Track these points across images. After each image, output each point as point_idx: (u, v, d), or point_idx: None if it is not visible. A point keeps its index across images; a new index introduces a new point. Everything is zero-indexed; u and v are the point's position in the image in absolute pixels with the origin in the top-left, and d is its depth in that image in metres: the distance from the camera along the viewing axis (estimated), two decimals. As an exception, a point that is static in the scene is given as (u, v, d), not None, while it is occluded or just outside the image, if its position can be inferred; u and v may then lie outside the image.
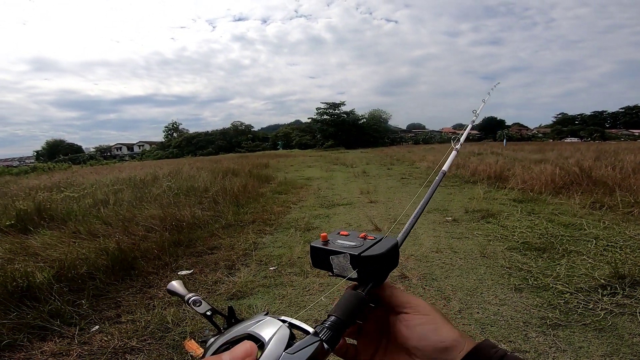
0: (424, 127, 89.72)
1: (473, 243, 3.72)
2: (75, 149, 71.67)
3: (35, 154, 72.23)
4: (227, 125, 63.74)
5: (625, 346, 1.92)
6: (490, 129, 61.47)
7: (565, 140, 52.42)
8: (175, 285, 0.51)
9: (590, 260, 3.01)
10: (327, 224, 4.77)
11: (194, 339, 2.16)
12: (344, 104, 49.65)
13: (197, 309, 0.45)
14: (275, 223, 4.92)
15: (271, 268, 3.28)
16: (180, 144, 57.63)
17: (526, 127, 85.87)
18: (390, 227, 4.46)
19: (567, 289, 2.56)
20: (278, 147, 54.36)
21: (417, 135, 60.41)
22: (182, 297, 0.48)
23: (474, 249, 3.54)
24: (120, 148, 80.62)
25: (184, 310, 2.56)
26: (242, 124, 62.84)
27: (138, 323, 2.40)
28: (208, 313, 0.45)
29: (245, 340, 0.30)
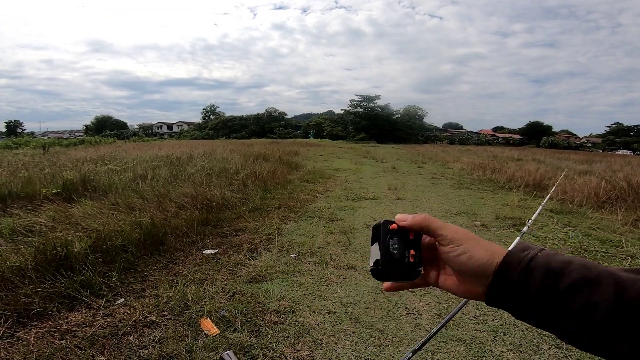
0: (461, 127, 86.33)
1: (501, 251, 3.57)
2: (121, 125, 75.84)
3: (85, 127, 77.24)
4: (262, 111, 64.69)
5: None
6: (534, 134, 57.96)
7: (617, 152, 48.51)
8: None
9: None
10: (351, 216, 4.77)
11: (210, 319, 2.26)
12: (379, 98, 48.78)
13: None
14: (300, 211, 4.99)
15: (292, 255, 3.35)
16: (216, 126, 59.37)
17: (575, 135, 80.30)
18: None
19: None
20: (309, 135, 54.58)
21: (453, 135, 58.21)
22: None
23: None
24: (161, 127, 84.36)
25: (204, 288, 2.68)
26: (275, 110, 63.53)
27: (160, 298, 2.48)
28: None
29: None
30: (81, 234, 3.34)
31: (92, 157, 10.72)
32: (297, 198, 5.74)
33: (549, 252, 0.40)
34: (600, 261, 3.19)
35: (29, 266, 2.53)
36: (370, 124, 46.65)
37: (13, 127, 70.78)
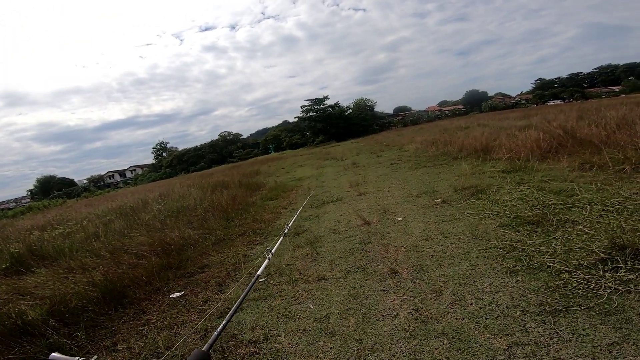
0: (410, 109, 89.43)
1: (464, 224, 3.63)
2: (67, 183, 71.04)
3: (29, 193, 71.58)
4: (215, 137, 63.35)
5: (636, 331, 1.72)
6: (474, 101, 61.62)
7: (549, 104, 52.55)
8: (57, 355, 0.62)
9: (586, 230, 2.83)
10: (316, 224, 4.70)
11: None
12: (328, 98, 49.43)
13: None
14: (265, 231, 4.85)
15: (260, 280, 3.22)
16: (172, 162, 57.26)
17: (509, 95, 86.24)
18: (379, 218, 4.40)
19: (565, 267, 2.36)
20: (270, 150, 54.15)
21: (405, 118, 60.25)
22: None
23: (465, 230, 3.44)
24: (113, 175, 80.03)
25: (175, 332, 2.52)
26: (229, 133, 62.42)
27: (132, 350, 2.43)
28: None
29: None
30: (35, 302, 3.19)
31: (40, 223, 9.91)
32: (261, 219, 5.59)
33: None
34: (560, 215, 3.23)
35: None
36: (326, 125, 47.13)
37: (-53, 210, 63.92)
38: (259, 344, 2.24)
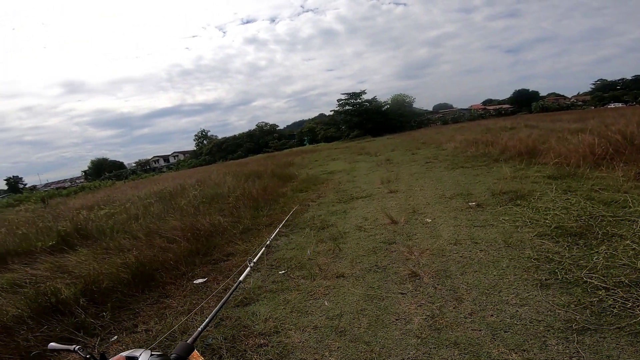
0: (451, 107, 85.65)
1: (497, 231, 3.41)
2: (118, 166, 76.35)
3: (83, 173, 77.88)
4: (253, 127, 64.83)
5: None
6: (524, 101, 57.51)
7: (609, 106, 47.87)
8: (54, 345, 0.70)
9: (634, 246, 2.57)
10: (343, 220, 4.64)
11: (197, 350, 2.17)
12: (365, 93, 48.60)
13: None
14: (292, 223, 4.88)
15: (280, 272, 3.24)
16: (211, 150, 59.56)
17: (563, 96, 79.66)
18: (407, 218, 4.25)
19: (604, 284, 2.17)
20: (305, 142, 54.54)
21: (445, 115, 57.84)
22: (69, 350, 0.66)
23: (498, 238, 3.23)
24: (158, 160, 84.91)
25: (192, 318, 2.60)
26: (266, 124, 63.63)
27: (150, 332, 2.53)
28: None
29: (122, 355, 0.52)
30: (71, 281, 3.40)
31: (89, 203, 10.70)
32: (289, 210, 5.62)
33: None
34: (608, 228, 2.95)
35: (25, 314, 2.72)
36: (362, 120, 46.52)
37: (14, 184, 71.13)
38: (268, 336, 2.25)
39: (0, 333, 2.51)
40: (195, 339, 0.91)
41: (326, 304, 2.56)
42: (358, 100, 48.44)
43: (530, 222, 3.48)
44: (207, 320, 1.12)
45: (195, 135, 73.86)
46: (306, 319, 2.38)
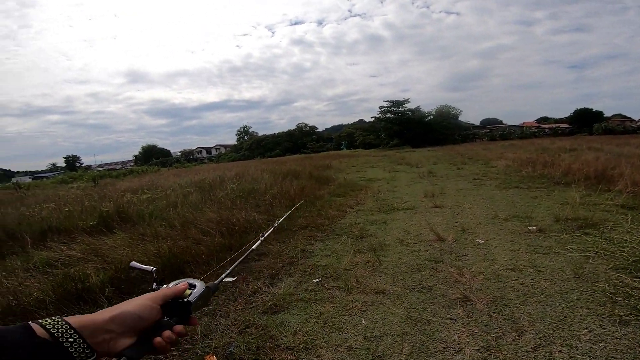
0: (500, 122, 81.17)
1: (565, 260, 2.97)
2: (165, 153, 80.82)
3: (134, 157, 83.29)
4: (293, 127, 65.73)
5: None
6: (584, 121, 53.04)
7: None
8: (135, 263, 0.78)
9: None
10: (383, 231, 4.33)
11: (216, 355, 2.01)
12: (408, 101, 47.48)
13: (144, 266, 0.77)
14: (328, 229, 4.65)
15: (314, 280, 3.01)
16: (251, 146, 61.14)
17: (630, 118, 72.38)
18: (456, 236, 3.85)
19: None
20: (342, 147, 54.34)
21: (493, 131, 54.86)
22: (146, 271, 0.75)
23: (566, 267, 2.81)
24: (201, 152, 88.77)
25: (216, 320, 2.44)
26: (306, 125, 64.23)
27: None
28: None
29: (184, 280, 0.66)
30: (101, 266, 3.35)
31: (134, 186, 11.19)
32: (325, 215, 5.40)
33: None
34: None
35: (48, 299, 2.65)
36: (403, 129, 45.45)
37: (72, 162, 77.96)
38: (297, 352, 2.02)
39: (18, 316, 2.46)
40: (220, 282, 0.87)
41: (363, 322, 2.29)
42: (400, 108, 47.45)
43: (603, 253, 3.05)
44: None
45: (238, 131, 76.31)
46: (340, 337, 2.13)
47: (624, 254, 2.94)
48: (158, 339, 0.56)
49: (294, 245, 3.95)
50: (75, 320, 0.49)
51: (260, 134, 69.48)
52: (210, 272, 1.24)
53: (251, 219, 5.07)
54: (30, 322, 0.45)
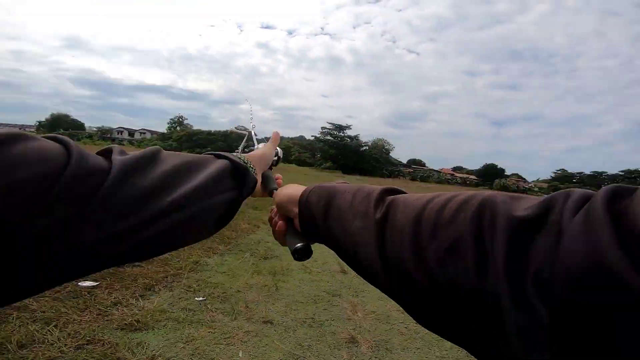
0: (424, 164, 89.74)
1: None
2: (77, 126, 71.30)
3: (37, 124, 71.81)
4: (232, 128, 63.76)
5: None
6: (489, 175, 61.48)
7: None
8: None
9: None
10: (289, 255, 4.13)
11: None
12: (350, 128, 49.84)
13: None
14: (233, 242, 4.31)
15: (197, 298, 2.67)
16: (181, 138, 57.16)
17: (524, 179, 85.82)
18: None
19: None
20: (250, 143, 53.96)
21: (416, 172, 60.25)
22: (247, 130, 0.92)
23: None
24: (122, 132, 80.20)
25: (48, 330, 1.95)
26: (245, 129, 62.75)
27: None
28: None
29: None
30: None
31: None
32: (234, 226, 5.05)
33: (341, 183, 0.52)
34: None
35: None
36: (338, 154, 47.20)
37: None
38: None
39: None
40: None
41: (240, 355, 2.05)
42: (341, 133, 49.35)
43: None
44: None
45: (171, 119, 71.14)
46: None
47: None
48: (279, 180, 0.73)
49: (188, 255, 3.54)
50: (246, 155, 0.60)
51: (196, 127, 65.67)
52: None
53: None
54: (228, 154, 0.52)
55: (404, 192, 0.44)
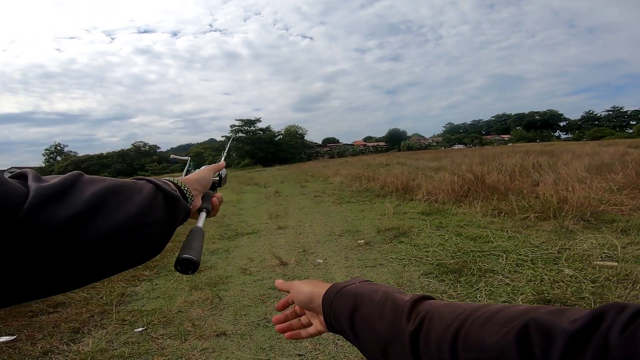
0: (338, 141, 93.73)
1: (388, 271, 3.33)
2: None
3: None
4: (128, 146, 57.18)
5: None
6: (395, 139, 67.70)
7: (454, 147, 60.48)
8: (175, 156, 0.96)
9: (507, 281, 2.78)
10: (224, 261, 4.01)
11: None
12: (260, 121, 49.13)
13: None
14: (159, 264, 3.97)
15: (137, 329, 2.44)
16: (66, 169, 49.21)
17: (424, 137, 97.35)
18: (298, 258, 3.93)
19: None
20: (189, 168, 50.57)
21: (332, 149, 62.70)
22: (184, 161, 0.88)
23: (389, 278, 3.13)
24: (-16, 176, 65.48)
25: None
26: (145, 144, 56.91)
27: None
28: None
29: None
30: None
31: None
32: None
33: (366, 282, 0.53)
34: (480, 264, 3.17)
35: None
36: (254, 148, 46.29)
37: None
38: None
39: None
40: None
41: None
42: (252, 127, 48.27)
43: (415, 260, 3.51)
44: None
45: (46, 150, 60.56)
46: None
47: (429, 259, 3.46)
48: (215, 199, 0.71)
49: (110, 289, 3.17)
50: (181, 179, 0.61)
51: (82, 154, 57.18)
52: None
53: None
54: (166, 179, 0.55)
55: (433, 299, 0.45)
